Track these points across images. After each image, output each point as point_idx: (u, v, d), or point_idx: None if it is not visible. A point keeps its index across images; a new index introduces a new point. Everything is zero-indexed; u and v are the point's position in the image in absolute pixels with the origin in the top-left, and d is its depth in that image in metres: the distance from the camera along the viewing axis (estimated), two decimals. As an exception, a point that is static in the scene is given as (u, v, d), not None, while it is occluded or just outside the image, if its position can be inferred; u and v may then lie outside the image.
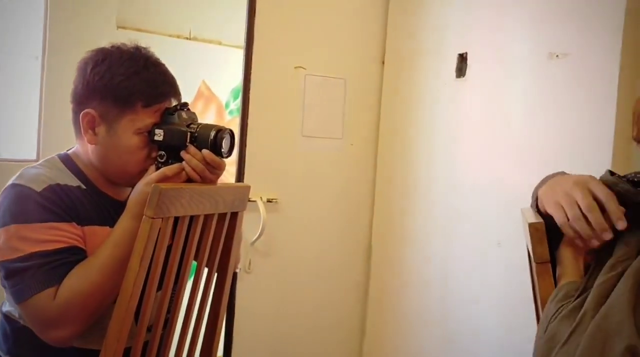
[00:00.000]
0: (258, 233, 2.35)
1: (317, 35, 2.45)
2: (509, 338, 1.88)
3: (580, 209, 0.82)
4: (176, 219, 1.20)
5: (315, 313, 2.57)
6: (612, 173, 0.87)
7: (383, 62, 2.59)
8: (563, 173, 0.99)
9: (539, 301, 0.91)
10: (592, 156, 1.57)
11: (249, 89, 2.32)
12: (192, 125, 1.27)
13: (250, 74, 2.32)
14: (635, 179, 0.85)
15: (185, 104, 1.31)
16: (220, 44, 3.11)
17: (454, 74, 2.19)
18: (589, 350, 0.71)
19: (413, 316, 2.37)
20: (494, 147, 1.99)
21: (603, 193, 0.81)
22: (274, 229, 2.42)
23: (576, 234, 0.84)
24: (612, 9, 1.56)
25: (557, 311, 0.82)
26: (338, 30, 2.49)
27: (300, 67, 2.41)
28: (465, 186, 2.12)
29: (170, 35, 3.03)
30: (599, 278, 0.80)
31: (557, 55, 1.72)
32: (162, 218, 1.15)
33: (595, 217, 0.81)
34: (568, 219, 0.84)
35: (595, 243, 0.81)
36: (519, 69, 1.89)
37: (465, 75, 2.14)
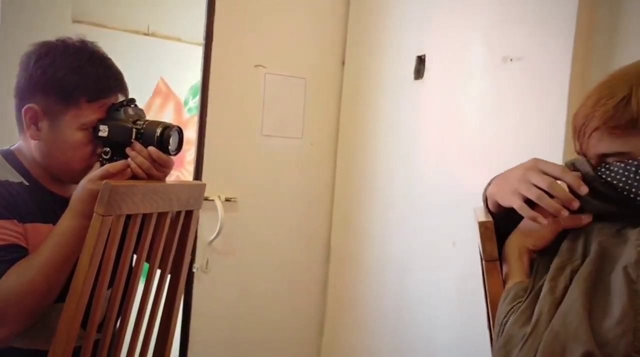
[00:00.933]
0: (216, 232, 2.33)
1: (278, 34, 2.44)
2: (463, 337, 1.91)
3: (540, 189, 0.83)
4: (128, 217, 1.18)
5: (274, 313, 2.56)
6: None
7: (343, 63, 2.60)
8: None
9: (489, 298, 0.93)
10: (544, 157, 1.60)
11: (207, 87, 2.29)
12: (138, 122, 1.24)
13: (209, 71, 2.29)
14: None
15: (132, 100, 1.28)
16: (179, 40, 3.06)
17: (412, 75, 2.21)
18: (548, 356, 0.72)
19: (371, 315, 2.38)
20: (450, 148, 2.02)
21: (554, 168, 0.83)
22: (233, 228, 2.40)
23: (541, 213, 0.85)
24: (563, 15, 1.60)
25: (508, 312, 0.83)
26: (299, 30, 2.49)
27: (261, 65, 2.40)
28: (423, 187, 2.15)
29: (128, 31, 2.97)
30: (549, 281, 0.81)
31: (511, 59, 1.76)
32: (113, 216, 1.12)
33: (558, 189, 0.82)
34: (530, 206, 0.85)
35: (564, 214, 0.82)
36: (474, 71, 1.92)
37: (423, 77, 2.17)
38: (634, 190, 0.80)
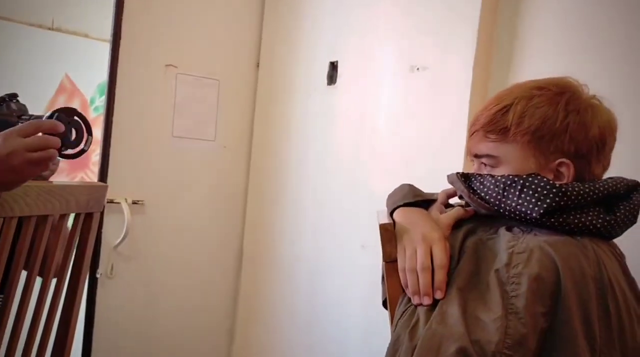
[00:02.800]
0: (121, 236, 2.24)
1: (190, 33, 2.40)
2: (373, 338, 1.95)
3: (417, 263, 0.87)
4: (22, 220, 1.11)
5: (183, 318, 2.50)
6: (462, 175, 0.93)
7: (258, 65, 2.59)
8: (410, 186, 1.04)
9: (388, 299, 0.95)
10: (447, 163, 1.67)
11: (115, 85, 2.22)
12: (23, 117, 1.18)
13: (116, 69, 2.22)
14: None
15: (14, 95, 1.23)
16: (86, 36, 2.94)
17: (325, 81, 2.24)
18: (426, 353, 0.75)
19: (282, 318, 2.38)
20: (361, 154, 2.07)
21: (440, 259, 0.85)
22: (140, 232, 2.33)
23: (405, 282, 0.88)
24: (466, 30, 1.68)
25: (402, 314, 0.86)
26: (212, 30, 2.46)
27: (172, 65, 2.35)
28: (334, 191, 2.18)
29: (31, 25, 2.81)
30: None
31: (417, 68, 1.83)
32: (4, 218, 1.06)
33: (424, 278, 0.85)
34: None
35: (415, 300, 0.85)
36: (384, 79, 1.97)
37: (336, 83, 2.20)
38: (502, 205, 0.86)
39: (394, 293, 0.94)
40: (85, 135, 1.06)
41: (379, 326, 1.84)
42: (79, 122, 1.05)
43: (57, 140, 0.99)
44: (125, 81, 2.23)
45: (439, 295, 0.84)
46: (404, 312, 0.86)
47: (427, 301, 0.84)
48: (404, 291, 0.91)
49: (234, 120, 2.56)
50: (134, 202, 2.29)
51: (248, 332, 2.57)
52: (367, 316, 1.98)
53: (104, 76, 2.29)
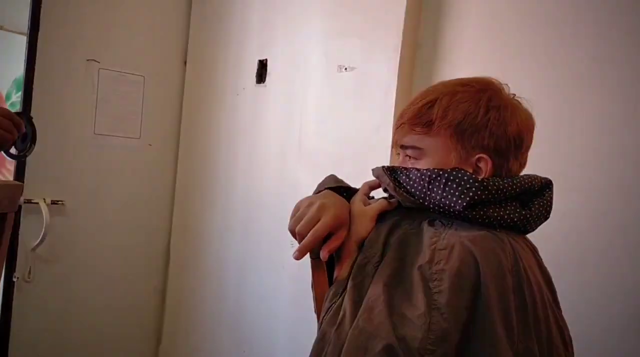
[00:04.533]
0: (40, 238, 2.14)
1: (114, 27, 2.32)
2: (301, 335, 1.96)
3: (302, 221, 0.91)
4: None
5: (107, 322, 2.41)
6: (388, 168, 0.95)
7: (185, 62, 2.54)
8: (334, 175, 1.05)
9: (315, 294, 0.96)
10: (374, 161, 1.70)
11: (32, 80, 2.11)
12: None
13: (34, 63, 2.11)
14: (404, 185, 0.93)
15: None
16: (1, 28, 2.78)
17: (254, 79, 2.23)
18: (354, 352, 0.76)
19: (210, 319, 2.35)
20: (290, 153, 2.07)
21: (317, 229, 0.89)
22: (60, 234, 2.23)
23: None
24: (391, 32, 1.71)
25: (328, 310, 0.87)
26: (137, 24, 2.39)
27: (94, 60, 2.26)
28: (263, 189, 2.17)
29: (-61, 14, 2.63)
30: (352, 279, 0.87)
31: (345, 68, 1.85)
32: None
33: (301, 230, 0.90)
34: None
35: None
36: (313, 78, 1.98)
37: (265, 82, 2.19)
38: (427, 198, 0.88)
39: (319, 289, 0.94)
40: (31, 144, 1.15)
41: (307, 324, 1.85)
42: (32, 130, 1.10)
43: (16, 133, 1.02)
44: (43, 76, 2.13)
45: (294, 256, 0.88)
46: (329, 308, 0.86)
47: (295, 254, 0.89)
48: (330, 286, 0.92)
49: (160, 118, 2.50)
50: (54, 203, 2.19)
51: (175, 333, 2.51)
52: (295, 314, 1.99)
53: (20, 70, 2.18)
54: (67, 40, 2.19)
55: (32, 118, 1.13)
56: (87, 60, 2.25)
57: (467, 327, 0.77)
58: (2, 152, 1.13)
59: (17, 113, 1.10)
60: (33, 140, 1.16)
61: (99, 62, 2.27)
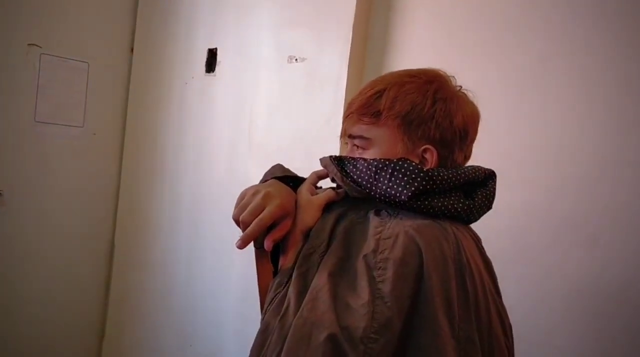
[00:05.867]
0: (-26, 229, 2.04)
1: (56, 10, 2.22)
2: (248, 330, 1.93)
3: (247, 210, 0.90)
4: None
5: (49, 316, 2.33)
6: (335, 158, 0.94)
7: (132, 49, 2.47)
8: (280, 165, 1.04)
9: (258, 284, 0.94)
10: (323, 152, 1.69)
11: (-33, 63, 2.00)
12: None
13: (-31, 46, 2.01)
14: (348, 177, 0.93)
15: None
16: None
17: (204, 68, 2.18)
18: (298, 341, 0.75)
19: (156, 313, 2.30)
20: (240, 144, 2.04)
21: (262, 217, 0.88)
22: (-3, 225, 2.13)
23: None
24: (341, 21, 1.71)
25: (272, 300, 0.85)
26: (82, 8, 2.30)
27: (35, 44, 2.16)
28: (212, 182, 2.14)
29: None
30: (297, 268, 0.86)
31: (296, 59, 1.83)
32: None
33: (245, 218, 0.89)
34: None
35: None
36: (263, 69, 1.96)
37: (215, 71, 2.15)
38: (374, 188, 0.88)
39: (263, 279, 0.93)
40: None
41: (255, 316, 1.84)
42: None
43: None
44: (-21, 59, 2.03)
45: (237, 244, 0.88)
46: (273, 298, 0.85)
47: (239, 243, 0.88)
48: (273, 276, 0.91)
49: (105, 106, 2.42)
50: (-10, 193, 2.09)
51: (120, 328, 2.45)
52: (243, 309, 1.97)
53: (-46, 53, 2.07)
54: (6, 23, 2.09)
55: None
56: (28, 44, 2.15)
57: (411, 316, 0.78)
58: None
59: None
60: None
61: (40, 47, 2.18)
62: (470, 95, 0.97)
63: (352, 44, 1.68)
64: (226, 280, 2.05)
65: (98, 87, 2.37)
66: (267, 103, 1.95)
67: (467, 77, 0.99)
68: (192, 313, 2.17)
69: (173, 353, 2.22)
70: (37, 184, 2.24)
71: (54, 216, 2.31)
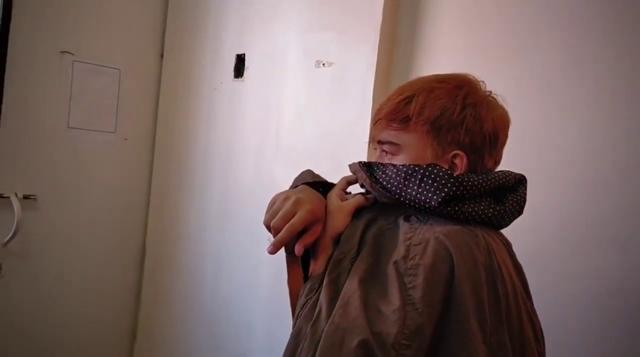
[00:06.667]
0: (11, 233, 2.10)
1: (89, 18, 2.28)
2: (277, 330, 1.95)
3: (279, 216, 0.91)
4: None
5: (82, 319, 2.38)
6: (364, 164, 0.95)
7: (162, 55, 2.51)
8: (310, 170, 1.05)
9: (290, 289, 0.95)
10: (351, 157, 1.70)
11: (4, 72, 2.07)
12: None
13: (6, 54, 2.07)
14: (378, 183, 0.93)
15: None
16: (-29, 18, 2.71)
17: (232, 74, 2.21)
18: (330, 347, 0.76)
19: (186, 315, 2.33)
20: (268, 148, 2.06)
21: (292, 223, 0.89)
22: (32, 229, 2.19)
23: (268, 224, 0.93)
24: (369, 28, 1.71)
25: (303, 306, 0.86)
26: (113, 16, 2.35)
27: (68, 52, 2.22)
28: (240, 185, 2.16)
29: None
30: (328, 274, 0.86)
31: (323, 64, 1.84)
32: None
33: (274, 230, 0.90)
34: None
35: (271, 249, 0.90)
36: (290, 74, 1.97)
37: (243, 76, 2.18)
38: (403, 194, 0.88)
39: (294, 285, 0.94)
40: None
41: (283, 321, 1.85)
42: None
43: None
44: (15, 67, 2.09)
45: (269, 250, 0.88)
46: (305, 303, 0.86)
47: (270, 248, 0.89)
48: (305, 282, 0.91)
49: (136, 112, 2.47)
50: (26, 197, 2.15)
51: (151, 329, 2.49)
52: (272, 311, 1.99)
53: (-9, 61, 2.13)
54: (41, 31, 2.15)
55: None
56: (61, 52, 2.21)
57: (442, 322, 0.78)
58: None
59: None
60: None
61: (73, 54, 2.23)
62: (500, 99, 0.96)
63: (379, 48, 1.68)
64: (254, 282, 2.07)
65: (129, 93, 2.42)
66: (295, 107, 1.97)
67: (496, 80, 0.99)
68: (222, 315, 2.19)
69: (203, 355, 2.25)
70: (70, 188, 2.30)
71: (87, 220, 2.36)
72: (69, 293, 2.34)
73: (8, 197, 2.09)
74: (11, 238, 2.11)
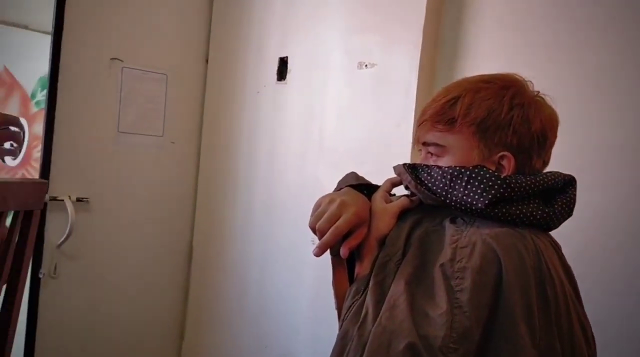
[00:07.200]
0: (65, 235, 2.18)
1: (136, 26, 2.35)
2: (321, 333, 1.96)
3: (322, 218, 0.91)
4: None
5: (131, 319, 2.45)
6: (409, 166, 0.94)
7: (207, 60, 2.56)
8: (354, 173, 1.06)
9: (335, 291, 0.96)
10: (394, 158, 1.69)
11: (57, 79, 2.15)
12: None
13: (58, 63, 2.15)
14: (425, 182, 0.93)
15: None
16: (26, 28, 2.82)
17: (275, 77, 2.23)
18: (377, 350, 0.76)
19: (231, 315, 2.37)
20: (311, 150, 2.07)
21: (337, 225, 0.89)
22: (85, 230, 2.26)
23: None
24: (411, 26, 1.71)
25: (349, 308, 0.87)
26: (160, 23, 2.41)
27: (117, 58, 2.29)
28: (284, 186, 2.18)
29: (-33, 16, 2.68)
30: (374, 277, 0.87)
31: (365, 65, 1.84)
32: None
33: (320, 233, 0.90)
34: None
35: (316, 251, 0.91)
36: (333, 75, 1.98)
37: (286, 79, 2.20)
38: (449, 196, 0.88)
39: (340, 287, 0.95)
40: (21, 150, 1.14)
41: (328, 321, 1.86)
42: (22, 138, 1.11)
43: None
44: (68, 75, 2.17)
45: (314, 252, 0.89)
46: (351, 305, 0.86)
47: (315, 251, 0.89)
48: (350, 284, 0.92)
49: (183, 116, 2.52)
50: (79, 200, 2.23)
51: (198, 330, 2.54)
52: (316, 311, 2.00)
53: (45, 69, 2.22)
54: (91, 39, 2.23)
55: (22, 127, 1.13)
56: (111, 59, 2.28)
57: (490, 325, 0.77)
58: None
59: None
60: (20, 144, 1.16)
61: (122, 61, 2.30)
62: (548, 99, 0.94)
63: (422, 47, 1.67)
64: (299, 282, 2.08)
65: (176, 97, 2.48)
66: (337, 109, 1.97)
67: (543, 79, 0.97)
68: (267, 315, 2.22)
69: (249, 354, 2.28)
70: (120, 190, 2.37)
71: (136, 221, 2.43)
72: (118, 293, 2.41)
73: (62, 200, 2.17)
74: (65, 239, 2.19)
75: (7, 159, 1.13)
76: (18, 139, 1.13)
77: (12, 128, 1.14)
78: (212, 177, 2.52)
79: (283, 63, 2.21)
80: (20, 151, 1.15)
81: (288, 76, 2.19)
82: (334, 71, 1.98)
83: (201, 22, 2.53)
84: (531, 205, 0.87)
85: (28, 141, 1.15)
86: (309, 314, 2.03)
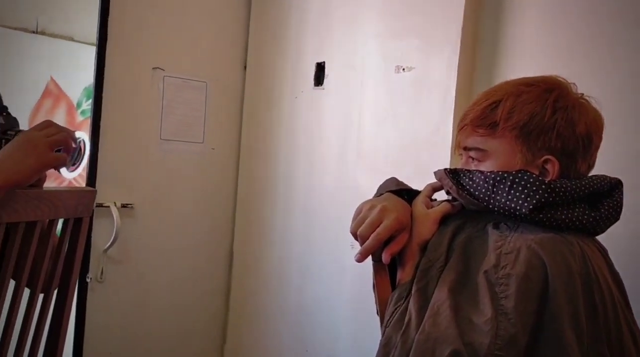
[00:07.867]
0: (111, 240, 2.24)
1: (177, 35, 2.40)
2: (363, 337, 1.96)
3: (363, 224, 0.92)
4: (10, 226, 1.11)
5: (175, 322, 2.50)
6: (450, 171, 0.94)
7: (245, 67, 2.59)
8: (395, 178, 1.06)
9: (377, 297, 0.96)
10: (433, 163, 1.68)
11: (101, 89, 2.21)
12: (9, 132, 1.17)
13: (103, 73, 2.21)
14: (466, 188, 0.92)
15: (3, 108, 1.22)
16: (71, 39, 2.91)
17: (312, 82, 2.25)
18: (421, 356, 0.76)
19: (273, 318, 2.39)
20: (349, 154, 2.08)
21: (378, 232, 0.90)
22: (129, 236, 2.32)
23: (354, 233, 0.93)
24: (450, 28, 1.69)
25: (392, 314, 0.87)
26: (199, 32, 2.46)
27: (159, 68, 2.34)
28: (323, 191, 2.19)
29: (14, 28, 2.78)
30: (416, 283, 0.86)
31: (403, 69, 1.84)
32: (-8, 224, 1.05)
33: (361, 239, 0.91)
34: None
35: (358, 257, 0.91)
36: (370, 80, 1.98)
37: (323, 84, 2.21)
38: (492, 201, 0.87)
39: (382, 292, 0.95)
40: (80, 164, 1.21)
41: (369, 325, 1.86)
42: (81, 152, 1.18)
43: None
44: (112, 84, 2.23)
45: (356, 258, 0.89)
46: (393, 312, 0.86)
47: (357, 256, 0.90)
48: (393, 290, 0.92)
49: (222, 122, 2.56)
50: (124, 206, 2.29)
51: (240, 333, 2.57)
52: (357, 315, 1.99)
53: (90, 79, 2.29)
54: (134, 49, 2.29)
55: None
56: (153, 68, 2.34)
57: (536, 332, 0.76)
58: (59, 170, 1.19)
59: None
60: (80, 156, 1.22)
61: (163, 70, 2.36)
62: (592, 101, 0.93)
63: (460, 50, 1.66)
64: (339, 286, 2.09)
65: (215, 104, 2.52)
66: (375, 113, 1.97)
67: (587, 81, 0.95)
68: (308, 319, 2.23)
69: (290, 358, 2.30)
70: (163, 196, 2.42)
71: (179, 226, 2.48)
72: (161, 297, 2.46)
73: (108, 207, 2.23)
74: (111, 245, 2.25)
75: (63, 170, 1.19)
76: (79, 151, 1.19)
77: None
78: (252, 182, 2.55)
79: (320, 68, 2.23)
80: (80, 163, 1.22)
81: (325, 81, 2.20)
82: (371, 75, 1.98)
83: (239, 30, 2.57)
84: (577, 210, 0.85)
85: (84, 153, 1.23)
86: (350, 319, 2.03)
